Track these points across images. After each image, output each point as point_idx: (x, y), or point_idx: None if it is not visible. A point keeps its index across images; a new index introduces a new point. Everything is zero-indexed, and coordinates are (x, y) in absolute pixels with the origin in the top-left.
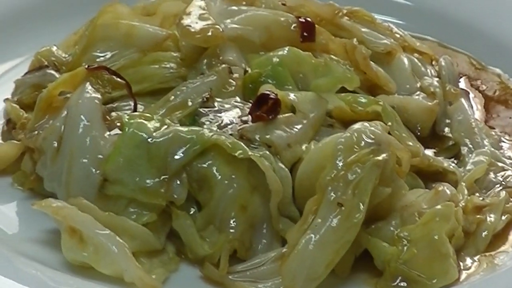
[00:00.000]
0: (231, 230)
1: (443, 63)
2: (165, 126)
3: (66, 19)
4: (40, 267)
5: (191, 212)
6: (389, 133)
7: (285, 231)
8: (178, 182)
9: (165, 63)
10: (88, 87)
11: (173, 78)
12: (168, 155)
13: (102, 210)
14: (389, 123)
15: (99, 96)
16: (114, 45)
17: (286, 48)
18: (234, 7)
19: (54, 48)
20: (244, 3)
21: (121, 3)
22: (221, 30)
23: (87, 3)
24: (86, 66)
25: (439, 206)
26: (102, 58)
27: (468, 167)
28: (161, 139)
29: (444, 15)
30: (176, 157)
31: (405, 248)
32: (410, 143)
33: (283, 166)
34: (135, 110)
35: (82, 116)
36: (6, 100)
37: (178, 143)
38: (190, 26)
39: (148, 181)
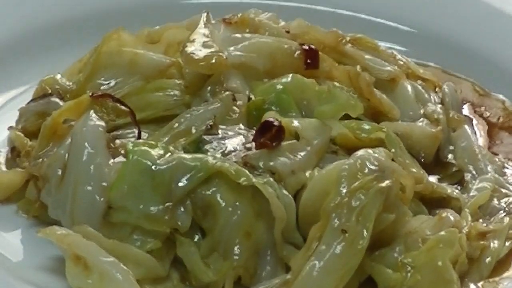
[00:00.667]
0: (236, 257)
1: (446, 90)
2: (169, 154)
3: (70, 47)
4: None
5: (195, 239)
6: (392, 159)
7: (289, 257)
8: (182, 209)
9: (169, 91)
10: (92, 114)
11: (177, 106)
12: (172, 182)
13: (106, 237)
14: (393, 150)
15: (103, 123)
16: (118, 73)
17: (290, 75)
18: (237, 35)
19: (58, 76)
20: (248, 30)
21: (125, 31)
22: (224, 57)
23: (91, 31)
24: (90, 94)
25: (443, 233)
26: (106, 86)
27: (471, 194)
28: (165, 166)
29: (447, 41)
30: (180, 184)
31: (409, 274)
32: (414, 170)
33: (287, 193)
34: (139, 137)
35: (86, 144)
36: (10, 128)
37: (182, 171)
38: (193, 53)
39: (152, 208)
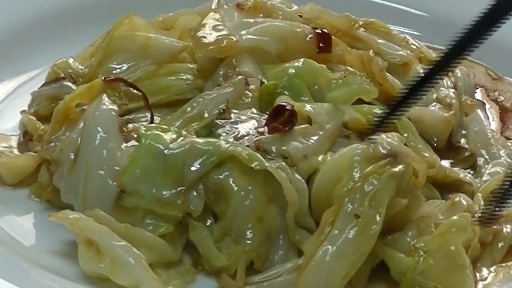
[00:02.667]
0: (248, 242)
1: (459, 74)
2: (182, 138)
3: (83, 31)
4: (57, 279)
5: (208, 224)
6: (405, 144)
7: (302, 242)
8: (195, 194)
9: (181, 75)
10: (105, 99)
11: (190, 90)
12: (185, 167)
13: (119, 221)
14: (405, 135)
15: (115, 107)
16: (130, 57)
17: (301, 60)
18: (250, 19)
19: (71, 60)
20: (261, 15)
21: (138, 15)
22: (235, 40)
23: (103, 15)
24: (103, 78)
25: (455, 217)
26: (118, 70)
27: (484, 178)
28: (177, 150)
29: (460, 26)
30: (193, 168)
31: (422, 259)
32: (426, 154)
33: (300, 177)
34: (151, 121)
35: (99, 128)
36: (22, 112)
37: (195, 155)
38: (204, 37)
39: (164, 192)
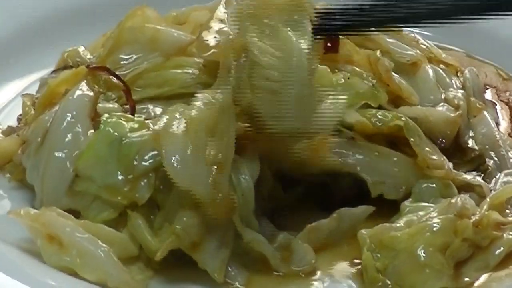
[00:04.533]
0: (178, 221)
1: (468, 75)
2: (145, 130)
3: (96, 30)
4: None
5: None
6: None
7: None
8: (143, 183)
9: (187, 68)
10: (83, 85)
11: (194, 84)
12: (138, 156)
13: (70, 205)
14: (412, 139)
15: (91, 94)
16: (139, 48)
17: None
18: None
19: (81, 49)
20: None
21: (150, 7)
22: None
23: (118, 14)
24: (86, 66)
25: (435, 220)
26: (125, 61)
27: (498, 187)
28: (134, 140)
29: (470, 25)
30: (144, 159)
31: (379, 256)
32: (434, 157)
33: (248, 178)
34: (132, 113)
35: (68, 112)
36: (23, 95)
37: (150, 147)
38: (207, 40)
39: (113, 178)
